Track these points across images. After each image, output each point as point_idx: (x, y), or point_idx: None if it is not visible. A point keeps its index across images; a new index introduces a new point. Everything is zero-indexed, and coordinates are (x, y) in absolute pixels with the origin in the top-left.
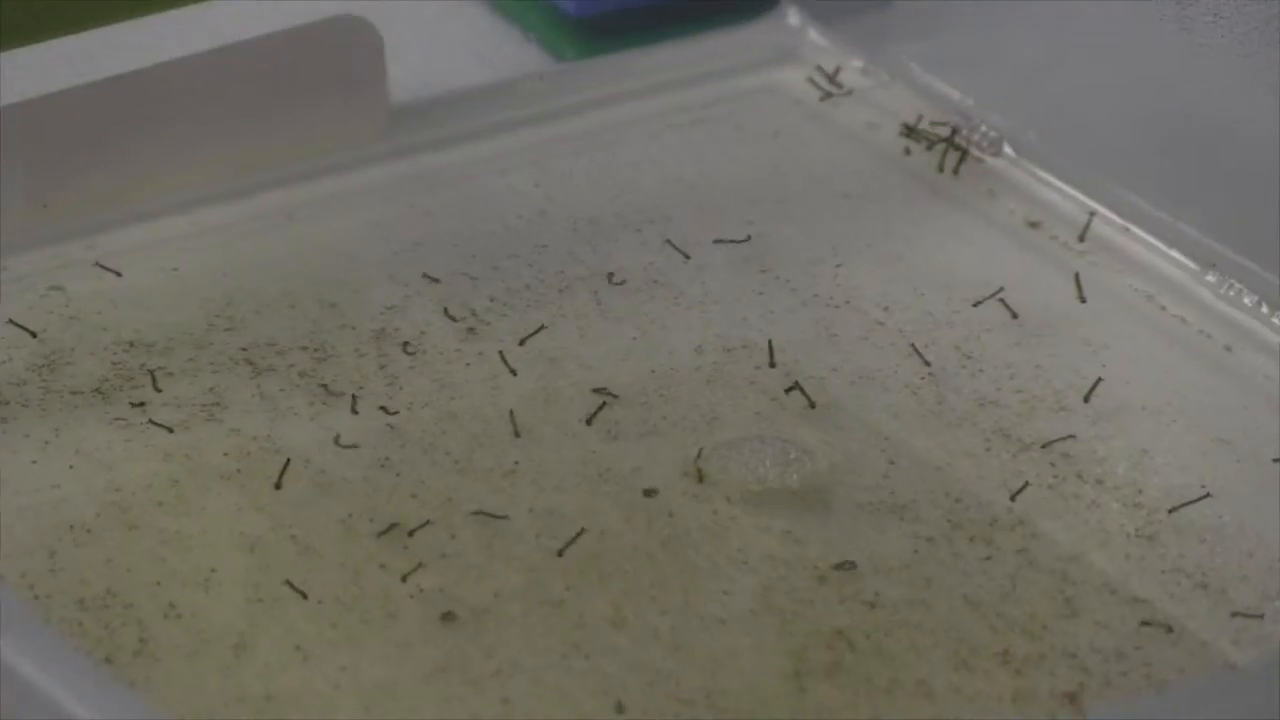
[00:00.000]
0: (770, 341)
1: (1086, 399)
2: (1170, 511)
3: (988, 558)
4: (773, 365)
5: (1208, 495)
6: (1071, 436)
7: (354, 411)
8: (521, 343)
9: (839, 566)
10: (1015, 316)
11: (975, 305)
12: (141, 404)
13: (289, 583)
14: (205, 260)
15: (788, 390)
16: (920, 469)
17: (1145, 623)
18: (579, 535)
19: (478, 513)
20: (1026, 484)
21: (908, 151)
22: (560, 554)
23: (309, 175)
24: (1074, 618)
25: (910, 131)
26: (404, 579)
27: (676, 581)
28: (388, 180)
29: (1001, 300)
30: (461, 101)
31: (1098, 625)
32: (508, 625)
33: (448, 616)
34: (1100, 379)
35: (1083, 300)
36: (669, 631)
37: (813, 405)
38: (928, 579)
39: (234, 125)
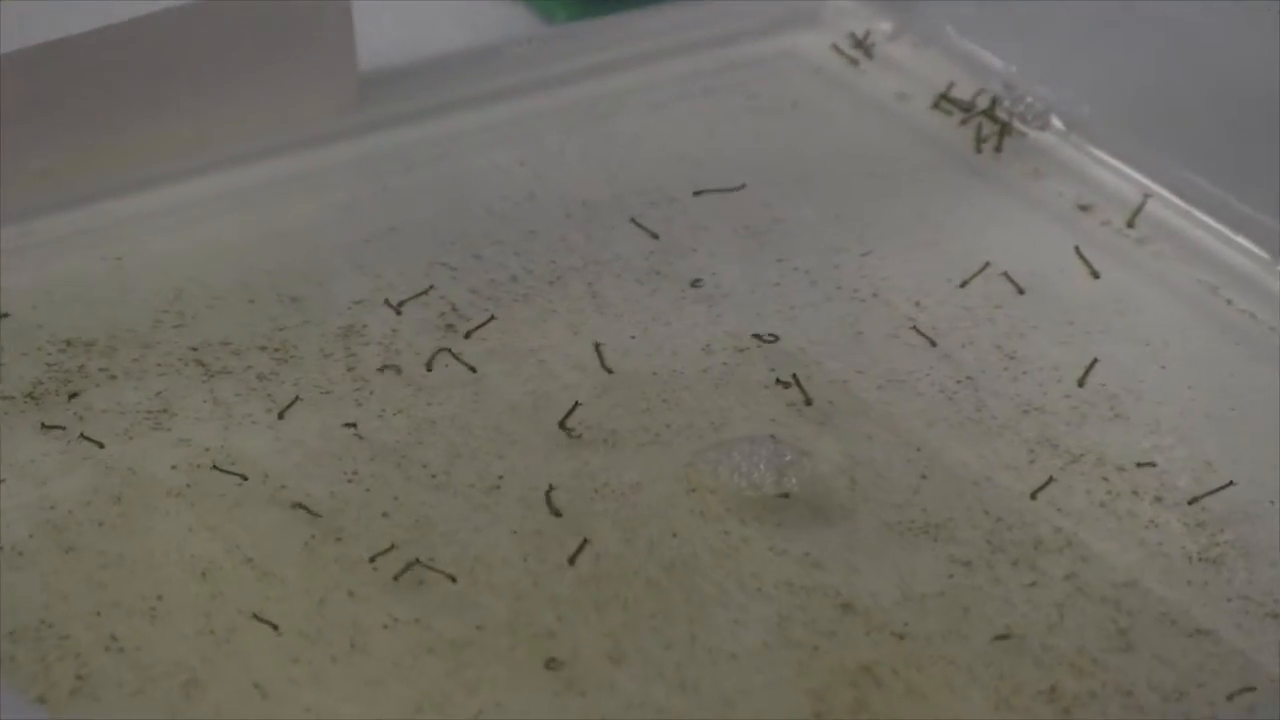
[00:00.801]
0: (754, 330)
1: (1081, 383)
2: (1190, 503)
3: (1032, 584)
4: (759, 342)
5: (1231, 484)
6: (1131, 467)
7: (295, 416)
8: (467, 335)
9: None
10: (1022, 292)
11: (962, 285)
12: (79, 412)
13: (256, 615)
14: (152, 248)
15: (781, 382)
16: (956, 484)
17: (1230, 696)
18: (583, 547)
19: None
20: (1051, 479)
21: (966, 130)
22: (571, 561)
23: (268, 152)
24: (1129, 651)
25: (945, 102)
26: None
27: (682, 611)
28: (356, 158)
29: (1005, 275)
30: (439, 69)
31: (1156, 659)
32: (492, 660)
33: (425, 650)
34: (1096, 360)
35: (1095, 276)
36: (674, 667)
37: (809, 402)
38: (964, 608)
39: (185, 97)
